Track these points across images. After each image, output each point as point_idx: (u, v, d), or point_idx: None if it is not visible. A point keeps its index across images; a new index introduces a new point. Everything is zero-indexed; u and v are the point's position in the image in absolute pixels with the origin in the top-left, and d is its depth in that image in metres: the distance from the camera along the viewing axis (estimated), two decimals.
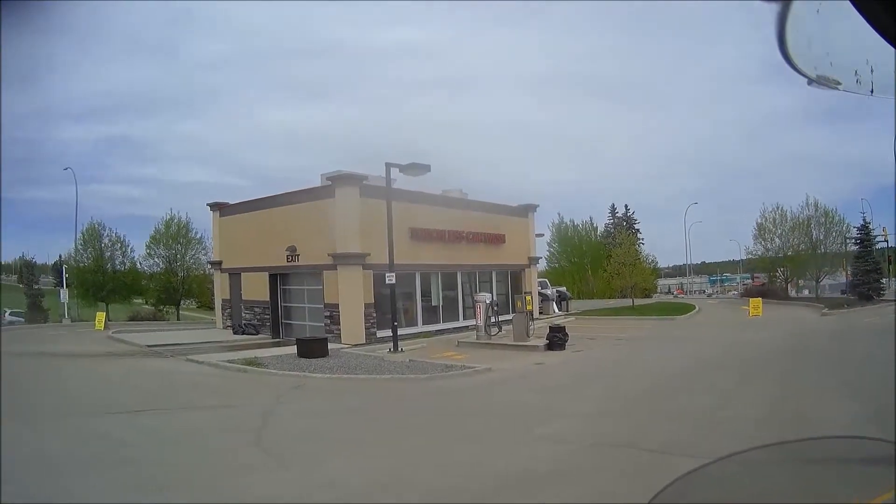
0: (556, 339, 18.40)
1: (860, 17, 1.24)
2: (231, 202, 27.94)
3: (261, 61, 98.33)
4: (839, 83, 1.47)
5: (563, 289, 38.31)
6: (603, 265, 44.49)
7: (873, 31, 1.25)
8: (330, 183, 21.91)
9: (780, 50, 1.39)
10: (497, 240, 27.90)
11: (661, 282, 59.66)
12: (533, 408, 10.57)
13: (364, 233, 21.18)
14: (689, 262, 60.23)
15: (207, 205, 28.89)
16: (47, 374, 16.19)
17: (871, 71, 1.41)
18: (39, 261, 63.41)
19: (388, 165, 19.56)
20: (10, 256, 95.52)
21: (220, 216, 28.10)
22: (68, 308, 35.45)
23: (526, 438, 8.29)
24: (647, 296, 46.06)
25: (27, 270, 43.44)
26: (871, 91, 1.44)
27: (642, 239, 53.71)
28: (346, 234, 21.31)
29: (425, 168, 19.51)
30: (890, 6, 1.21)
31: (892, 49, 1.26)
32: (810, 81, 1.50)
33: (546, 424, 9.02)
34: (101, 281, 38.02)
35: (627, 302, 37.86)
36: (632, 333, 23.33)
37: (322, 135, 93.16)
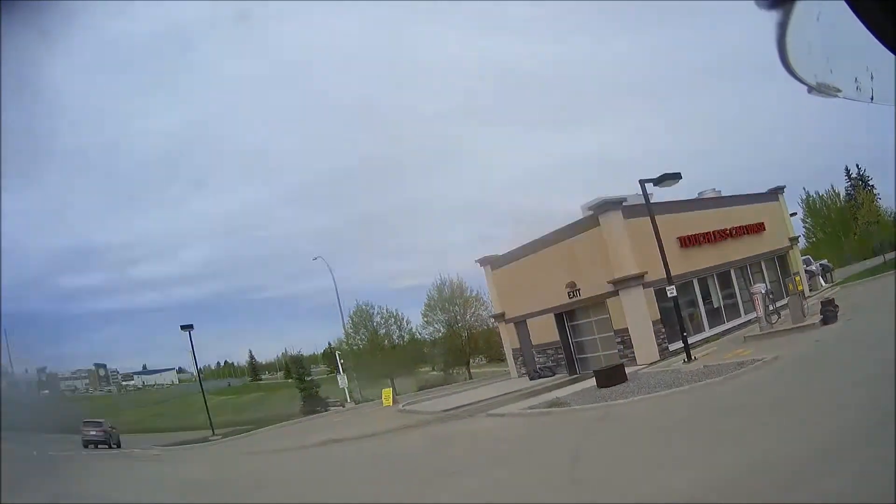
0: (829, 312, 18.11)
1: (860, 23, 1.23)
2: (498, 253, 29.50)
3: (492, 102, 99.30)
4: (839, 90, 1.46)
5: (825, 261, 35.95)
6: (852, 228, 42.93)
7: (873, 37, 1.23)
8: (592, 212, 22.60)
9: (780, 58, 1.38)
10: (757, 228, 26.99)
11: None
12: (819, 387, 10.58)
13: (635, 252, 21.48)
14: None
15: (476, 261, 30.42)
16: (344, 457, 16.73)
17: (871, 77, 1.39)
18: (306, 352, 66.04)
19: (642, 182, 19.75)
20: (271, 355, 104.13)
21: (492, 269, 29.59)
22: (350, 391, 34.85)
23: (817, 416, 8.47)
24: None
25: (295, 364, 44.07)
26: (872, 98, 1.41)
27: (879, 194, 48.78)
28: (620, 258, 21.74)
29: (676, 177, 19.56)
30: (889, 13, 1.20)
31: (892, 55, 1.24)
32: (810, 89, 1.49)
33: (832, 401, 9.04)
34: (381, 358, 37.89)
35: (880, 259, 36.99)
36: (889, 291, 21.35)
37: (567, 166, 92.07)
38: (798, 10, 1.28)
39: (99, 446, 28.79)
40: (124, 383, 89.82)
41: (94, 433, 29.67)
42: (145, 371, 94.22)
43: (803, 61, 1.41)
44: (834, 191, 47.46)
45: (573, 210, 25.10)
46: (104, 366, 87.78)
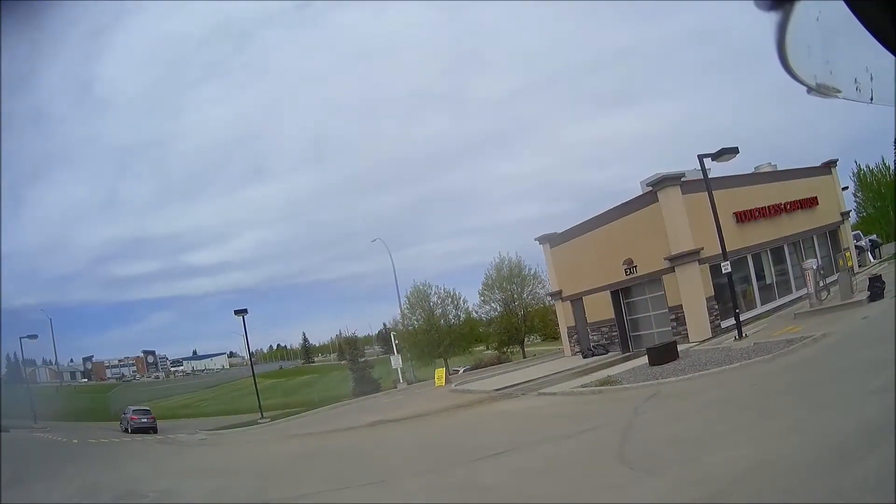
0: (876, 289, 18.03)
1: (859, 24, 1.23)
2: (557, 231, 29.72)
3: (548, 80, 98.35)
4: (839, 91, 1.45)
5: (875, 236, 35.56)
6: None
7: (872, 38, 1.24)
8: (651, 188, 22.69)
9: (780, 58, 1.37)
10: (811, 203, 26.70)
11: None
12: (867, 364, 10.34)
13: (693, 228, 21.54)
14: None
15: (535, 239, 30.63)
16: (394, 438, 16.76)
17: (871, 78, 1.37)
18: (361, 333, 64.85)
19: (701, 157, 19.87)
20: (325, 337, 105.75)
21: (550, 247, 29.83)
22: (403, 372, 34.34)
23: (863, 394, 8.41)
24: None
25: (349, 346, 42.80)
26: (871, 98, 1.40)
27: None
28: (677, 234, 21.81)
29: (734, 151, 19.61)
30: (888, 14, 1.20)
31: (891, 56, 1.24)
32: (809, 90, 1.48)
33: (880, 377, 8.83)
34: (437, 338, 37.75)
35: None
36: None
37: (628, 141, 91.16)
38: (798, 10, 1.29)
39: (147, 432, 29.70)
40: (173, 369, 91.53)
41: (145, 420, 30.76)
42: (195, 356, 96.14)
43: (803, 62, 1.42)
44: (884, 164, 46.45)
45: (633, 187, 25.21)
46: (153, 352, 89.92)
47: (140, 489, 13.11)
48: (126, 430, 30.36)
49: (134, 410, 31.83)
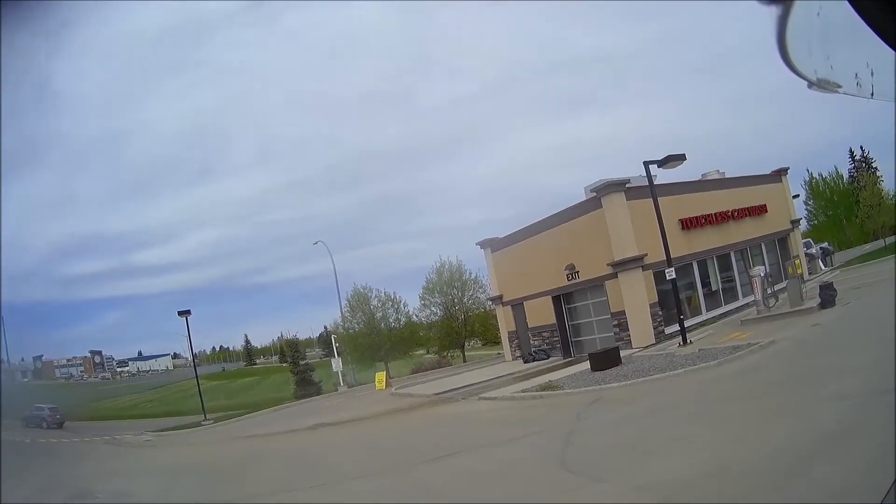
0: (827, 296, 18.18)
1: (859, 19, 1.21)
2: (499, 236, 29.10)
3: (498, 85, 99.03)
4: (839, 86, 1.44)
5: (826, 244, 35.86)
6: (854, 211, 42.88)
7: (873, 33, 1.21)
8: (595, 194, 22.29)
9: (780, 53, 1.36)
10: (760, 210, 26.79)
11: None
12: (816, 371, 10.53)
13: (637, 234, 21.23)
14: None
15: (477, 244, 30.25)
16: (334, 441, 16.85)
17: (871, 74, 1.36)
18: (302, 336, 66.13)
19: (646, 164, 19.54)
20: (267, 340, 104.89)
21: (491, 252, 29.40)
22: (343, 375, 34.53)
23: (814, 400, 8.57)
24: None
25: (290, 348, 42.99)
26: (872, 94, 1.38)
27: (881, 177, 48.52)
28: (621, 240, 21.44)
29: (681, 158, 19.42)
30: (889, 9, 1.18)
31: (892, 51, 1.22)
32: (810, 84, 1.47)
33: (829, 384, 9.05)
34: (377, 341, 37.65)
35: (881, 243, 38.04)
36: (889, 274, 21.71)
37: (578, 147, 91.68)
38: (798, 5, 1.27)
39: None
40: (119, 370, 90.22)
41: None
42: (141, 357, 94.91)
43: (803, 57, 1.39)
44: (837, 173, 47.39)
45: (577, 193, 24.80)
46: (99, 352, 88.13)
47: (91, 489, 13.24)
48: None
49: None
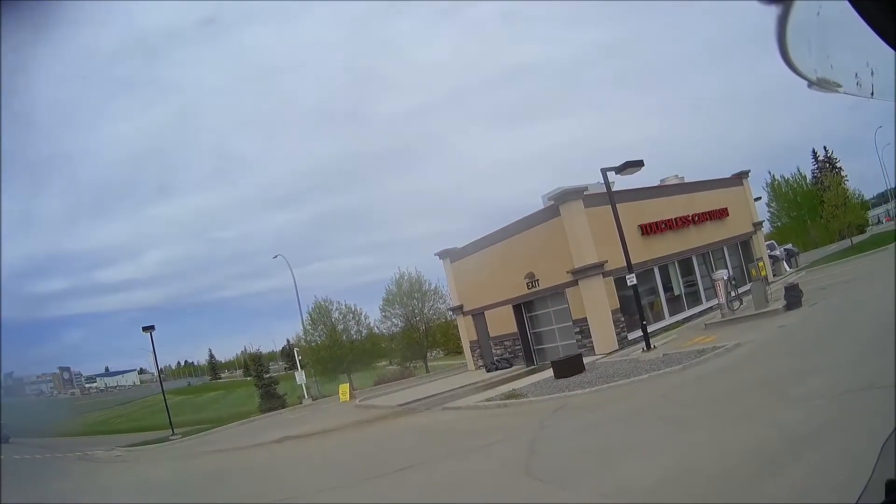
0: (793, 297, 18.11)
1: (860, 18, 1.19)
2: (457, 246, 28.88)
3: (449, 97, 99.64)
4: (839, 86, 1.43)
5: (790, 245, 36.25)
6: (818, 212, 43.25)
7: (873, 33, 1.19)
8: (553, 202, 22.18)
9: (780, 52, 1.34)
10: (721, 214, 26.89)
11: (871, 213, 54.83)
12: (783, 373, 10.50)
13: (596, 241, 21.12)
14: (889, 188, 54.92)
15: (436, 254, 30.05)
16: (300, 454, 16.77)
17: (872, 74, 1.35)
18: (265, 350, 65.92)
19: (604, 171, 19.49)
20: (231, 354, 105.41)
21: (450, 262, 29.20)
22: (307, 388, 34.62)
23: (781, 402, 8.51)
24: (862, 231, 44.27)
25: (254, 362, 42.81)
26: (872, 94, 1.38)
27: (847, 177, 49.31)
28: (580, 248, 21.32)
29: (638, 164, 19.38)
30: (889, 9, 1.17)
31: (892, 51, 1.20)
32: (810, 84, 1.46)
33: (798, 386, 9.10)
34: (339, 354, 37.48)
35: (847, 243, 38.08)
36: (856, 274, 22.48)
37: (532, 157, 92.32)
38: (798, 5, 1.25)
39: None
40: (87, 385, 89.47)
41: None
42: (108, 373, 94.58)
43: (803, 56, 1.38)
44: (800, 173, 47.89)
45: (534, 202, 24.69)
46: (68, 369, 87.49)
47: None
48: None
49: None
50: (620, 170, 19.29)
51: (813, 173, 50.45)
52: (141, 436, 32.38)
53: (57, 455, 27.82)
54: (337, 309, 39.62)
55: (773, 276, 28.61)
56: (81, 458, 25.81)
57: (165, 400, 32.88)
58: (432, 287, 39.67)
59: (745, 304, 20.97)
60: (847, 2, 1.20)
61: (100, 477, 19.90)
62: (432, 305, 39.87)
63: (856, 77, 1.39)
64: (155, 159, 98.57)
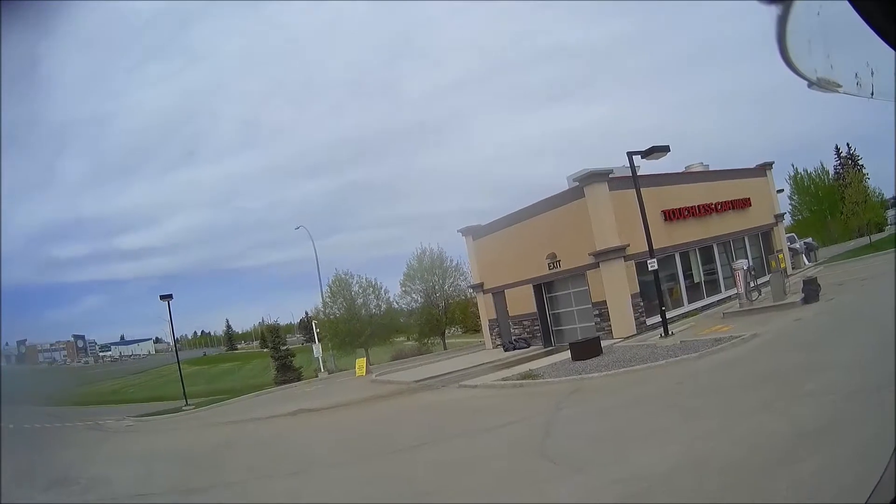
0: (810, 291, 18.27)
1: (859, 18, 1.20)
2: (480, 223, 28.94)
3: (482, 75, 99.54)
4: (839, 85, 1.44)
5: (810, 239, 36.09)
6: (839, 208, 42.87)
7: (873, 32, 1.20)
8: (577, 184, 22.17)
9: (780, 52, 1.35)
10: (743, 204, 26.72)
11: (889, 212, 54.47)
12: (797, 366, 10.52)
13: (619, 225, 21.16)
14: None
15: (458, 231, 30.10)
16: (314, 427, 16.85)
17: (872, 73, 1.35)
18: (283, 322, 66.20)
19: (630, 154, 19.50)
20: (248, 325, 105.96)
21: (473, 239, 29.27)
22: (324, 362, 34.34)
23: (794, 396, 8.50)
24: (881, 229, 44.02)
25: (271, 333, 41.92)
26: (872, 94, 1.38)
27: (868, 175, 48.88)
28: (603, 230, 21.36)
29: (665, 150, 19.44)
30: (889, 9, 1.17)
31: (892, 51, 1.21)
32: (810, 84, 1.47)
33: (811, 380, 9.13)
34: (358, 328, 37.19)
35: (866, 240, 38.00)
36: (873, 272, 22.30)
37: (560, 139, 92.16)
38: (798, 5, 1.26)
39: None
40: (101, 354, 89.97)
41: None
42: (123, 342, 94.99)
43: (803, 56, 1.39)
44: (823, 168, 47.60)
45: (557, 184, 24.66)
46: (82, 337, 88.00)
47: (72, 475, 12.93)
48: None
49: None
50: (647, 154, 19.32)
51: (835, 169, 50.16)
52: (154, 405, 32.33)
53: (66, 424, 27.66)
54: (357, 283, 39.39)
55: (792, 268, 28.54)
56: (91, 428, 25.86)
57: (180, 370, 32.78)
58: (454, 264, 39.32)
59: (762, 295, 20.97)
60: (847, 2, 1.21)
61: (107, 446, 19.95)
62: (453, 282, 39.50)
63: (856, 77, 1.40)
64: (182, 126, 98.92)
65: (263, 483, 10.11)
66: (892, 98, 1.34)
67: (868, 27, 1.22)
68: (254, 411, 22.57)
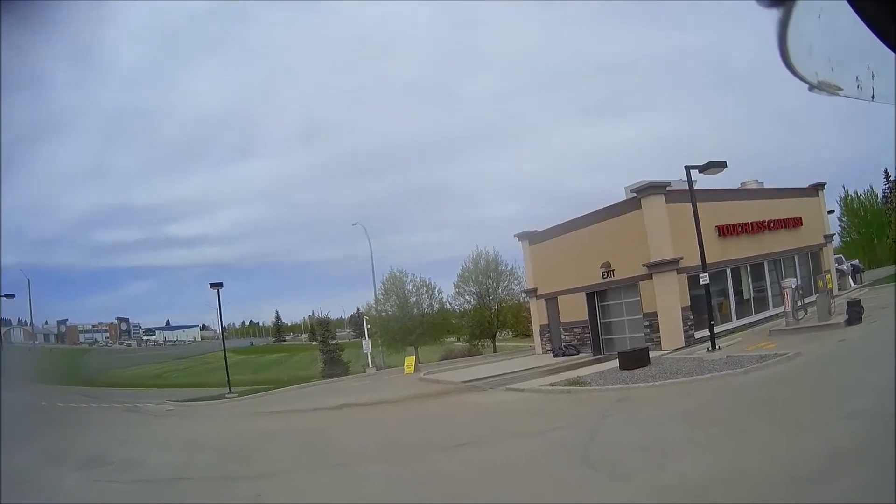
0: (854, 313, 18.19)
1: (861, 21, 1.22)
2: (537, 229, 29.56)
3: (542, 83, 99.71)
4: (840, 88, 1.44)
5: (857, 262, 35.77)
6: (886, 231, 42.96)
7: (874, 36, 1.22)
8: (635, 195, 22.56)
9: (781, 55, 1.36)
10: (794, 223, 26.77)
11: None
12: (839, 387, 10.60)
13: (674, 237, 21.42)
14: None
15: (515, 235, 30.63)
16: (357, 422, 16.84)
17: (872, 76, 1.37)
18: (333, 316, 65.47)
19: (688, 168, 19.68)
20: (297, 317, 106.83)
21: (529, 245, 29.79)
22: (373, 357, 34.29)
23: (834, 415, 8.56)
24: None
25: (321, 327, 43.05)
26: (873, 96, 1.39)
27: None
28: (658, 242, 21.72)
29: (722, 165, 19.52)
30: (889, 11, 1.19)
31: (892, 53, 1.23)
32: (811, 87, 1.47)
33: (852, 401, 9.03)
34: (409, 326, 37.59)
35: None
36: None
37: (617, 150, 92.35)
38: (799, 8, 1.28)
39: None
40: (145, 338, 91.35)
41: None
42: (168, 327, 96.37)
43: (804, 59, 1.40)
44: (872, 192, 47.29)
45: (617, 195, 24.97)
46: (126, 320, 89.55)
47: (106, 456, 13.03)
48: None
49: None
50: (704, 169, 19.45)
51: (884, 192, 49.72)
52: (196, 392, 32.67)
53: (103, 405, 28.02)
54: (411, 281, 39.85)
55: (838, 289, 28.42)
56: (130, 410, 26.11)
57: (226, 357, 32.92)
58: (508, 268, 39.56)
59: (808, 314, 21.01)
60: (847, 3, 1.24)
61: (144, 429, 20.17)
62: (506, 286, 39.74)
63: (856, 80, 1.42)
64: (238, 120, 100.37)
65: (301, 475, 10.07)
66: (892, 101, 1.38)
67: (868, 29, 1.25)
68: (298, 403, 22.85)
